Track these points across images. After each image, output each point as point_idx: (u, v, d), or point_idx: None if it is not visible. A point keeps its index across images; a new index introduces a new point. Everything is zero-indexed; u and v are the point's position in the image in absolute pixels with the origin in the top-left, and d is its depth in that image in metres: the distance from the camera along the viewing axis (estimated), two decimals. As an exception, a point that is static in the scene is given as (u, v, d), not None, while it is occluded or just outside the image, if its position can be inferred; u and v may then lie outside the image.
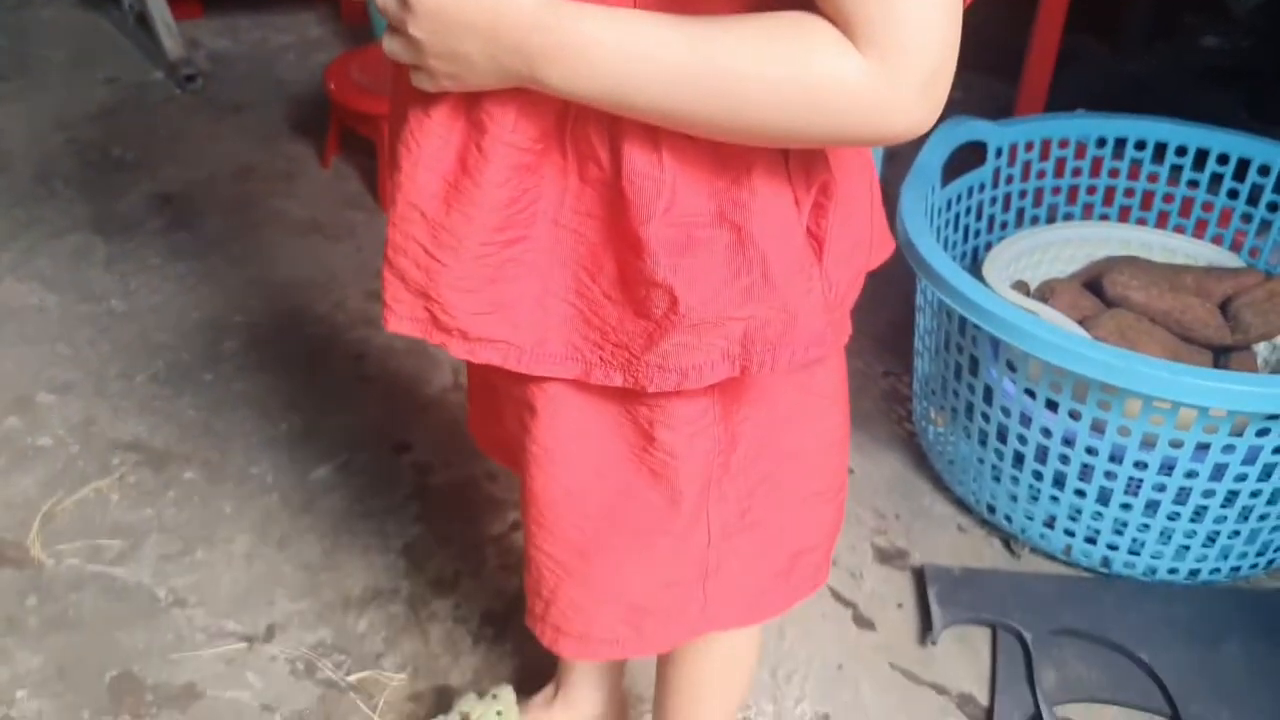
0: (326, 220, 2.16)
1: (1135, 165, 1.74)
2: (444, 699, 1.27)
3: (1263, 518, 1.35)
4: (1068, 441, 1.34)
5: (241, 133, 2.45)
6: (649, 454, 0.77)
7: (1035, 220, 1.78)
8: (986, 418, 1.43)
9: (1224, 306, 1.57)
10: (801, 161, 0.69)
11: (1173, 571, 1.41)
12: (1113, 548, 1.40)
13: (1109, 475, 1.34)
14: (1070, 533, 1.42)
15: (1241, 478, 1.30)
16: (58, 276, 1.97)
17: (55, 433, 1.64)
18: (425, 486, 1.56)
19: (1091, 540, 1.41)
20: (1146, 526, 1.37)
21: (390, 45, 0.67)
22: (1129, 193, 1.76)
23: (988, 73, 2.42)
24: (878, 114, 0.60)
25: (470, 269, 0.71)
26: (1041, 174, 1.75)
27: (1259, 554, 1.41)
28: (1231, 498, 1.33)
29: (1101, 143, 1.74)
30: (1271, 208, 1.67)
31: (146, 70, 2.68)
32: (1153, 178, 1.75)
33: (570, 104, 0.66)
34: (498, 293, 0.72)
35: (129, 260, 2.02)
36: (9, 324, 1.85)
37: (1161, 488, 1.32)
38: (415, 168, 0.70)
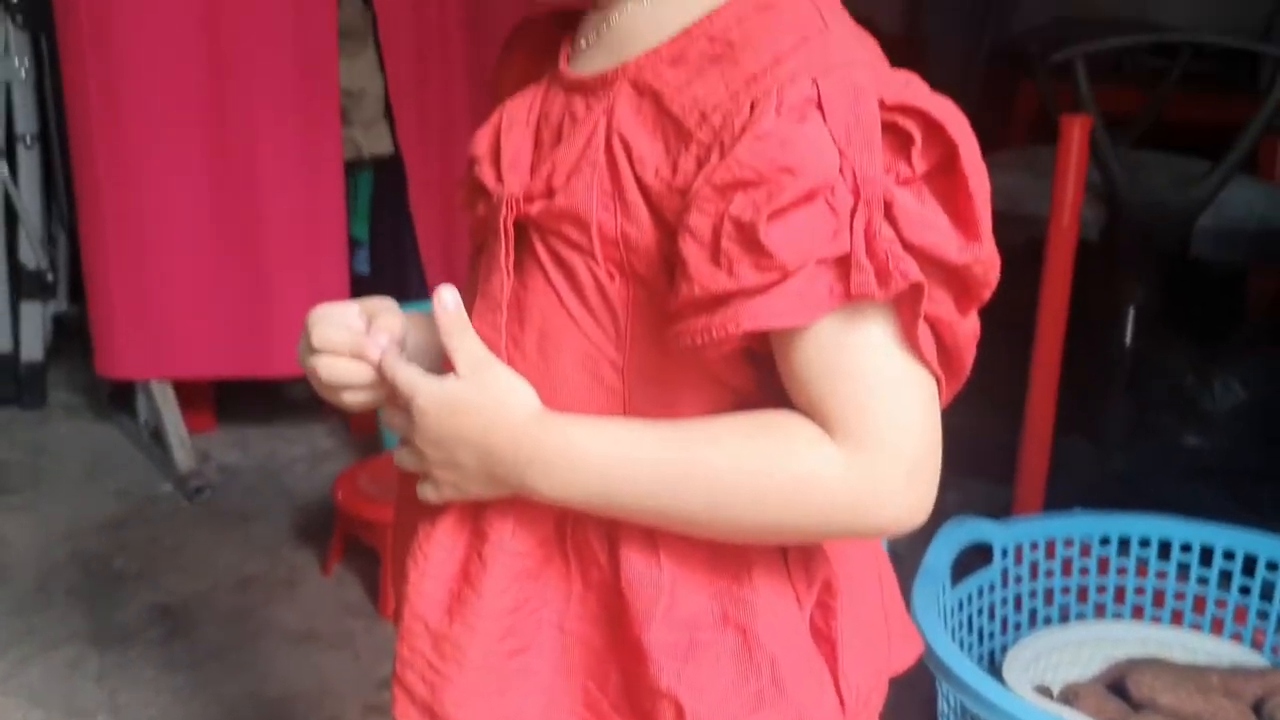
0: (325, 628, 2.13)
1: (1142, 563, 1.75)
2: None
3: None
4: None
5: (246, 542, 2.46)
6: None
7: (1049, 620, 1.76)
8: (1027, 836, 1.33)
9: (1257, 708, 1.52)
10: (801, 559, 0.68)
11: None
12: None
13: None
14: None
15: None
16: (47, 690, 1.90)
17: None
18: None
19: None
20: None
21: (399, 456, 0.70)
22: (1139, 590, 1.76)
23: (982, 475, 2.48)
24: (862, 507, 0.61)
25: (475, 681, 0.68)
26: (1049, 573, 1.76)
27: None
28: None
29: (1105, 541, 1.76)
30: (1286, 603, 1.67)
31: (156, 482, 2.73)
32: (1161, 575, 1.75)
33: (568, 511, 0.66)
34: (505, 706, 0.68)
35: (122, 673, 1.96)
36: (-12, 744, 1.77)
37: None
38: (422, 579, 0.70)
